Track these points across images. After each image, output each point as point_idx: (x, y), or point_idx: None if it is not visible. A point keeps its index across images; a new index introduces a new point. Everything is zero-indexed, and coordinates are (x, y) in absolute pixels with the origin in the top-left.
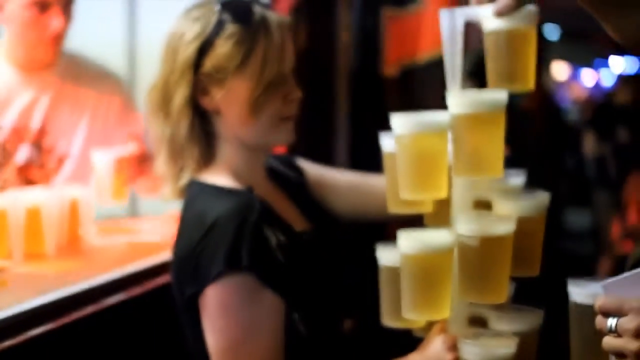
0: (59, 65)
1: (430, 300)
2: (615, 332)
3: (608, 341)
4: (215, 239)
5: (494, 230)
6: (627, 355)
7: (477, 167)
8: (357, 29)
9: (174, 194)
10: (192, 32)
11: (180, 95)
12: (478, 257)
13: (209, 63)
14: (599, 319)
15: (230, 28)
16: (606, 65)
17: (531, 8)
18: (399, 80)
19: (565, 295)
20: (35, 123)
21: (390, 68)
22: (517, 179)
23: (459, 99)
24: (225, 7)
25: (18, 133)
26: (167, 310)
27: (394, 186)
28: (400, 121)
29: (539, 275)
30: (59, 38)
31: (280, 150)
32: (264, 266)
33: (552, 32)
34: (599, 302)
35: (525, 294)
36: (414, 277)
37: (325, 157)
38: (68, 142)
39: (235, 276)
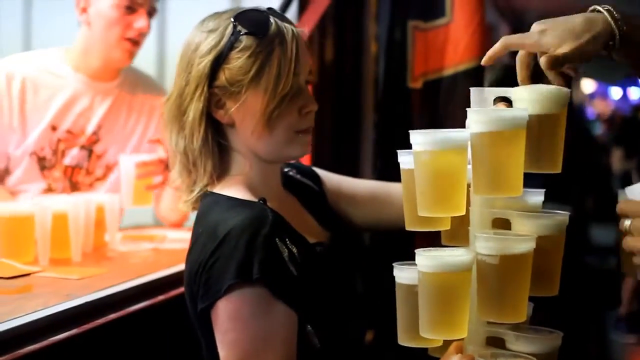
0: (119, 77)
1: (448, 320)
2: (630, 231)
3: (625, 240)
4: (227, 252)
5: (514, 249)
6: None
7: (496, 185)
8: (384, 41)
9: (187, 205)
10: (206, 45)
11: (194, 107)
12: (497, 276)
13: (224, 76)
14: (620, 222)
15: (245, 40)
16: (634, 82)
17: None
18: (424, 93)
19: (591, 311)
20: (90, 128)
21: (416, 80)
22: (537, 197)
23: (479, 116)
24: (240, 18)
25: (72, 136)
26: (189, 318)
27: (412, 203)
28: (419, 138)
29: (563, 291)
30: (138, 42)
31: (304, 160)
32: (275, 278)
33: None
34: (620, 205)
35: (550, 309)
36: (432, 296)
37: (351, 167)
38: (118, 151)
39: (246, 288)
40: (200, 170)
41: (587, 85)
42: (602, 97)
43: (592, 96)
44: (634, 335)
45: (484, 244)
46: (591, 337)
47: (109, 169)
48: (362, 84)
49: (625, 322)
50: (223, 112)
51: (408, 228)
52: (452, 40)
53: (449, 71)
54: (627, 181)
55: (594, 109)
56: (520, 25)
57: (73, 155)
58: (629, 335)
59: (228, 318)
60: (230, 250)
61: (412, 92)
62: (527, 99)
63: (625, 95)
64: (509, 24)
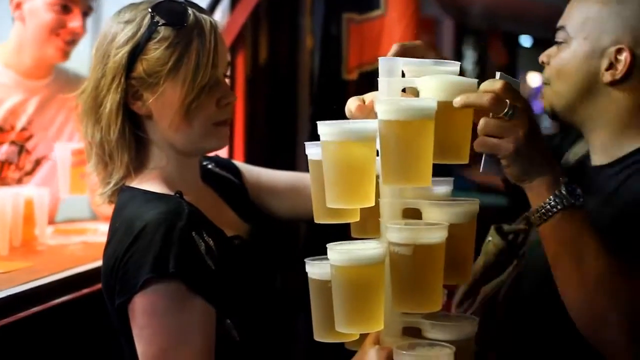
0: (52, 77)
1: (364, 313)
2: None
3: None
4: (143, 246)
5: (427, 238)
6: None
7: (406, 175)
8: (319, 34)
9: (103, 198)
10: (123, 35)
11: (111, 99)
12: (411, 266)
13: (141, 67)
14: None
15: (163, 31)
16: None
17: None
18: (359, 84)
19: None
20: (20, 124)
21: (351, 73)
22: (446, 186)
23: (388, 106)
24: (157, 9)
25: (2, 132)
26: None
27: (321, 195)
28: (327, 129)
29: None
30: (74, 41)
31: (222, 153)
32: (192, 273)
33: (525, 40)
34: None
35: None
36: (346, 290)
37: (287, 161)
38: (49, 146)
39: (162, 283)
40: (116, 163)
41: (534, 79)
42: None
43: (538, 90)
44: None
45: (397, 235)
46: None
47: (38, 163)
48: (297, 77)
49: None
50: (140, 103)
51: (317, 220)
52: (387, 32)
53: None
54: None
55: (540, 103)
56: (464, 20)
57: (3, 151)
58: None
59: (144, 313)
60: (146, 244)
61: (347, 84)
62: (434, 87)
63: None
64: (452, 18)
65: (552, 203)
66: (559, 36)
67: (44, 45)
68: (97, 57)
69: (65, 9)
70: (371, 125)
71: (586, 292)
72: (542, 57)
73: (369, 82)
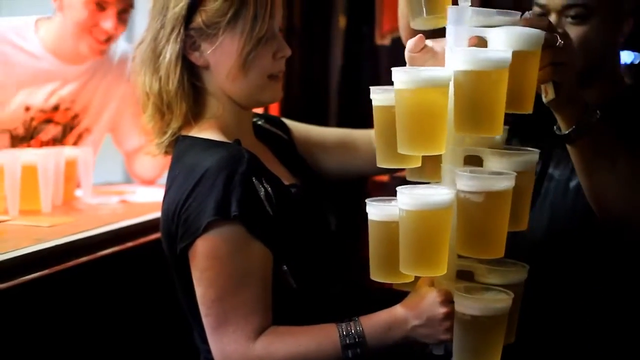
0: (93, 60)
1: (431, 257)
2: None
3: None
4: (205, 190)
5: (498, 186)
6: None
7: (480, 124)
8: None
9: (160, 148)
10: None
11: (170, 49)
12: (481, 213)
13: (200, 18)
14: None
15: None
16: None
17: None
18: (391, 50)
19: None
20: (65, 105)
21: (384, 38)
22: (502, 135)
23: (466, 56)
24: None
25: (45, 113)
26: (159, 264)
27: (385, 140)
28: (402, 76)
29: None
30: (108, 40)
31: (273, 110)
32: (253, 217)
33: None
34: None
35: None
36: (414, 234)
37: (320, 122)
38: (92, 121)
39: (224, 226)
40: (175, 112)
41: None
42: None
43: None
44: None
45: (468, 182)
46: None
47: (80, 136)
48: (330, 43)
49: None
50: (198, 54)
51: (380, 165)
52: None
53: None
54: None
55: None
56: None
57: (48, 132)
58: None
59: (206, 256)
60: (207, 189)
61: (378, 49)
62: (505, 38)
63: None
64: None
65: (589, 117)
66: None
67: (78, 41)
68: (155, 9)
69: (100, 7)
70: (446, 73)
71: (622, 189)
72: None
73: (402, 47)
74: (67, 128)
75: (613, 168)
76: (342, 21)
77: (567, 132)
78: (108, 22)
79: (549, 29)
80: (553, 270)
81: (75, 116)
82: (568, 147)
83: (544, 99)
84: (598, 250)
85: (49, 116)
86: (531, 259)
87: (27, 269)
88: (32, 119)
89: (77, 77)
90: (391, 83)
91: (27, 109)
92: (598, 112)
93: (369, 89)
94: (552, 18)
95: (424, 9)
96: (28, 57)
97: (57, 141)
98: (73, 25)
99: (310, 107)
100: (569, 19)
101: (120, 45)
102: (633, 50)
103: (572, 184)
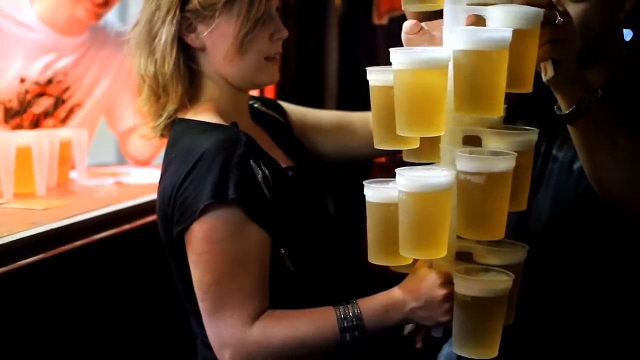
0: (88, 33)
1: (431, 239)
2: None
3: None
4: (201, 173)
5: (498, 167)
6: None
7: (480, 104)
8: None
9: (155, 132)
10: None
11: (166, 31)
12: (483, 194)
13: (195, 0)
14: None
15: None
16: None
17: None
18: (389, 29)
19: None
20: (58, 78)
21: (381, 18)
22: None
23: (466, 36)
24: None
25: (39, 86)
26: (156, 246)
27: (382, 121)
28: (401, 57)
29: None
30: (105, 4)
31: (269, 92)
32: (250, 200)
33: None
34: None
35: None
36: (415, 216)
37: (316, 103)
38: (84, 94)
39: (221, 209)
40: (171, 95)
41: None
42: None
43: None
44: None
45: (469, 163)
46: None
47: (71, 111)
48: (326, 23)
49: None
50: (194, 36)
51: (377, 146)
52: None
53: None
54: None
55: None
56: None
57: (41, 104)
58: None
59: (203, 239)
60: (204, 171)
61: (375, 29)
62: (503, 17)
63: None
64: None
65: (590, 97)
66: None
67: (75, 5)
68: None
69: None
70: (445, 53)
71: (623, 170)
72: None
73: (399, 27)
74: (59, 101)
75: (614, 149)
76: (337, 0)
77: (567, 111)
78: None
79: (548, 6)
80: (556, 252)
81: (67, 89)
82: (569, 127)
83: (543, 78)
84: (600, 233)
85: (43, 89)
86: (535, 241)
87: (24, 254)
88: (26, 92)
89: (73, 49)
90: (389, 63)
91: (22, 80)
92: (599, 91)
93: (366, 70)
94: None
95: None
96: (23, 28)
97: (49, 114)
98: None
99: (307, 88)
100: None
101: (116, 24)
102: (631, 28)
103: (576, 165)
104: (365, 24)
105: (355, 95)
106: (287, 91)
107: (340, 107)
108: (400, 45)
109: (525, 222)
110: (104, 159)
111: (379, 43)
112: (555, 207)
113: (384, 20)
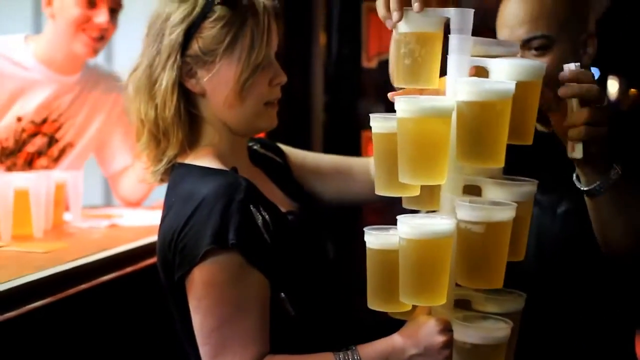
0: (82, 73)
1: (431, 286)
2: None
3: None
4: (202, 218)
5: (499, 217)
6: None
7: (482, 155)
8: (337, 23)
9: (155, 176)
10: (179, 14)
11: (167, 76)
12: (482, 244)
13: (196, 45)
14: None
15: (219, 10)
16: None
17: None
18: (378, 73)
19: None
20: (52, 117)
21: (371, 61)
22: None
23: (471, 87)
24: None
25: (35, 125)
26: (157, 289)
27: (384, 168)
28: (405, 105)
29: None
30: (103, 38)
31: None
32: (250, 245)
33: None
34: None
35: None
36: (415, 263)
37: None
38: (76, 135)
39: (222, 254)
40: (171, 140)
41: None
42: None
43: None
44: None
45: (470, 213)
46: None
47: (64, 151)
48: (312, 65)
49: None
50: (194, 81)
51: (378, 192)
52: None
53: None
54: None
55: None
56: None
57: (34, 143)
58: None
59: (203, 284)
60: (205, 217)
61: (365, 72)
62: (507, 70)
63: None
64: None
65: (613, 175)
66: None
67: (72, 41)
68: (150, 36)
69: (91, 4)
70: (450, 102)
71: (634, 235)
72: None
73: (387, 70)
74: (52, 140)
75: (629, 219)
76: (322, 39)
77: (588, 188)
78: (101, 17)
79: (599, 93)
80: (541, 296)
81: (60, 127)
82: (586, 198)
83: (568, 154)
84: (585, 277)
85: (38, 128)
86: (519, 286)
87: (32, 297)
88: (22, 130)
89: (69, 88)
90: (379, 107)
91: (19, 119)
92: (618, 169)
93: (353, 112)
94: None
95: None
96: (18, 68)
97: (42, 153)
98: (66, 25)
99: (294, 129)
100: (532, 51)
101: (105, 65)
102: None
103: (560, 210)
104: (354, 67)
105: (342, 137)
106: (275, 133)
107: (327, 149)
108: (391, 89)
109: (508, 266)
110: (90, 201)
111: (369, 85)
112: (539, 252)
113: (373, 64)
